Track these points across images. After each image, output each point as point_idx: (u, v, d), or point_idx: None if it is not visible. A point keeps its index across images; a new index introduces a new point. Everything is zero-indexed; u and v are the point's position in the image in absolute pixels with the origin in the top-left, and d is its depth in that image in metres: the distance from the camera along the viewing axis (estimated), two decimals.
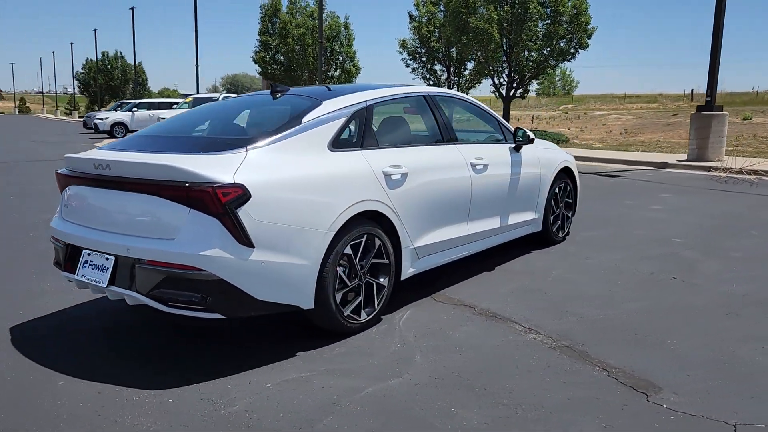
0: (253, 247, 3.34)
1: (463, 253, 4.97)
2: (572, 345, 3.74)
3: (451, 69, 28.65)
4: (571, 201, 6.49)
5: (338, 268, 3.76)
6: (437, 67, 29.11)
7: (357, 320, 3.93)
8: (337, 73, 33.75)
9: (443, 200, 4.60)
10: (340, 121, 4.03)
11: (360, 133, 4.17)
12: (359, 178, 3.91)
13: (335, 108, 4.09)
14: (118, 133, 25.78)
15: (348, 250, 3.82)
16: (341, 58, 33.16)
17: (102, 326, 4.15)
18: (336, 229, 3.68)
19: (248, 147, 3.56)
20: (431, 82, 29.20)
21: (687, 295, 4.67)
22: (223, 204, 3.25)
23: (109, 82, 68.86)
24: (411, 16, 28.39)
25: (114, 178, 3.53)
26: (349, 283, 3.87)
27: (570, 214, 6.50)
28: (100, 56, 69.07)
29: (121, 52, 70.95)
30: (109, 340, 3.92)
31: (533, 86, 31.84)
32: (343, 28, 32.95)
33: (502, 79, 22.93)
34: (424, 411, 2.96)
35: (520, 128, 5.59)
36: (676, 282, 4.98)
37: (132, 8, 50.41)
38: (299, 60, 31.98)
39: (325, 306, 3.71)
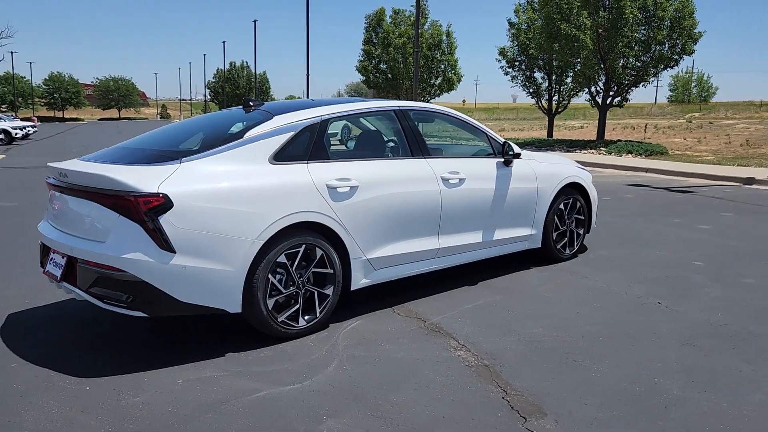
0: (174, 252, 3.60)
1: (434, 266, 4.98)
2: (492, 365, 3.69)
3: (552, 77, 27.92)
4: (583, 218, 6.26)
5: (270, 276, 3.94)
6: (538, 75, 28.49)
7: (294, 327, 4.10)
8: (437, 82, 33.91)
9: (404, 213, 4.65)
10: (287, 135, 4.23)
11: (309, 146, 4.33)
12: (297, 190, 4.08)
13: (284, 123, 4.29)
14: None
15: (282, 259, 3.99)
16: (442, 66, 33.25)
17: (71, 319, 4.59)
18: (265, 239, 3.87)
19: (183, 160, 3.84)
20: (531, 91, 28.64)
21: (658, 321, 4.42)
22: (144, 212, 3.54)
23: (235, 90, 73.20)
24: (510, 23, 28.01)
25: (70, 185, 3.94)
26: (284, 291, 4.04)
27: (581, 231, 6.27)
28: (227, 66, 73.68)
29: (246, 62, 75.27)
30: (73, 331, 4.34)
31: (644, 92, 30.22)
32: (444, 36, 33.06)
33: (598, 87, 22.06)
34: (297, 417, 3.08)
35: (508, 142, 5.50)
36: (658, 307, 4.71)
37: (255, 21, 53.43)
38: (400, 69, 32.44)
39: (256, 311, 3.91)
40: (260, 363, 3.76)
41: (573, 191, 6.10)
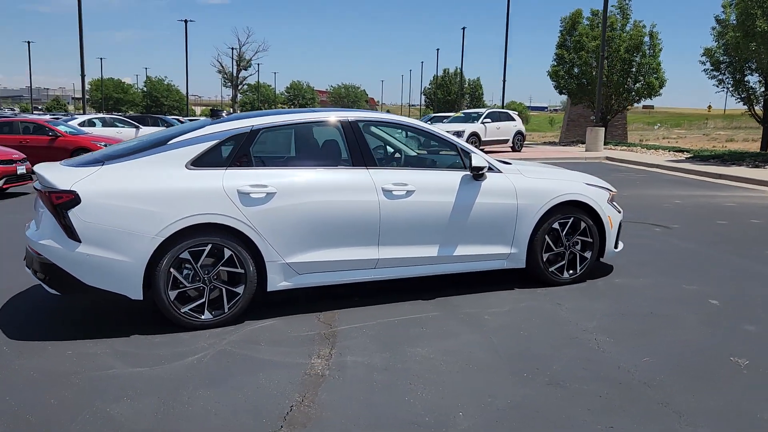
0: (80, 241, 4.20)
1: (374, 276, 5.01)
2: (321, 379, 3.72)
3: None
4: (590, 240, 5.70)
5: (173, 270, 4.37)
6: (752, 78, 25.12)
7: (198, 318, 4.48)
8: (637, 86, 31.53)
9: (333, 222, 4.76)
10: (209, 144, 4.62)
11: (233, 154, 4.66)
12: (204, 194, 4.44)
13: (211, 132, 4.69)
14: None
15: (186, 256, 4.40)
16: (643, 70, 30.83)
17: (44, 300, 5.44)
18: (165, 236, 4.31)
19: (107, 162, 4.44)
20: (741, 96, 25.39)
21: (571, 362, 3.99)
22: (55, 206, 4.19)
23: (447, 96, 74.99)
24: (718, 20, 25.08)
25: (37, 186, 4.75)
26: (188, 284, 4.44)
27: (588, 255, 5.72)
28: (441, 73, 75.71)
29: (459, 69, 76.56)
30: (37, 306, 5.15)
31: None
32: (647, 38, 30.61)
33: None
34: (107, 393, 3.46)
35: (472, 154, 5.25)
36: (596, 349, 4.22)
37: (463, 28, 54.35)
38: (593, 74, 30.75)
39: (159, 300, 4.38)
40: (146, 346, 4.20)
41: (575, 210, 5.60)
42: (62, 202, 4.19)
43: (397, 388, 3.55)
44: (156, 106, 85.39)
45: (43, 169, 4.55)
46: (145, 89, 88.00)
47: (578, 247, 5.71)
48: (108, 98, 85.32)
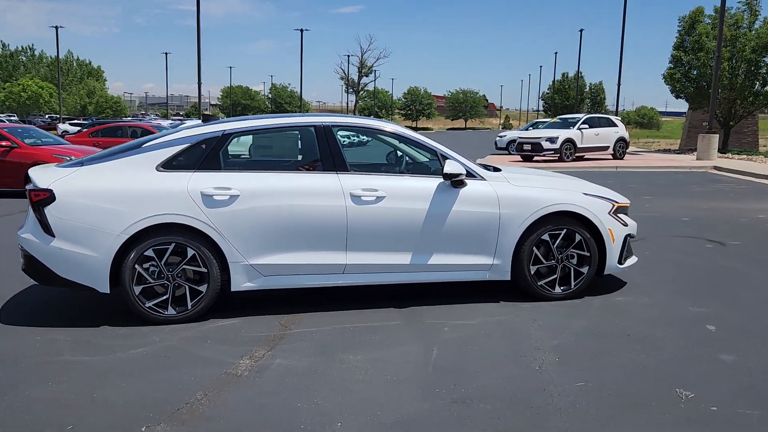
0: (54, 236, 4.56)
1: (343, 282, 5.00)
2: (239, 378, 3.78)
3: None
4: (587, 254, 5.35)
5: (137, 266, 4.62)
6: None
7: (162, 313, 4.71)
8: (766, 89, 28.87)
9: (298, 225, 4.82)
10: (179, 147, 4.83)
11: (202, 157, 4.85)
12: (169, 195, 4.65)
13: (183, 136, 4.91)
14: (511, 150, 27.24)
15: (150, 253, 4.64)
16: None
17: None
18: (130, 234, 4.57)
19: (85, 164, 4.79)
20: None
21: (496, 381, 3.80)
22: (34, 202, 4.58)
23: (565, 101, 72.59)
24: None
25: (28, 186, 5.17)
26: (152, 281, 4.68)
27: (584, 269, 5.36)
28: (559, 77, 73.40)
29: (581, 73, 73.84)
30: (39, 296, 5.58)
31: None
32: None
33: None
34: (40, 374, 3.74)
35: (449, 160, 5.09)
36: (534, 369, 3.98)
37: (580, 30, 52.43)
38: (711, 76, 28.51)
39: (124, 294, 4.65)
40: (106, 337, 4.47)
41: (570, 221, 5.28)
42: (39, 200, 4.56)
43: (300, 393, 3.55)
44: (280, 111, 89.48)
45: (35, 170, 4.96)
46: (269, 96, 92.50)
47: (574, 261, 5.38)
48: (236, 104, 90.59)
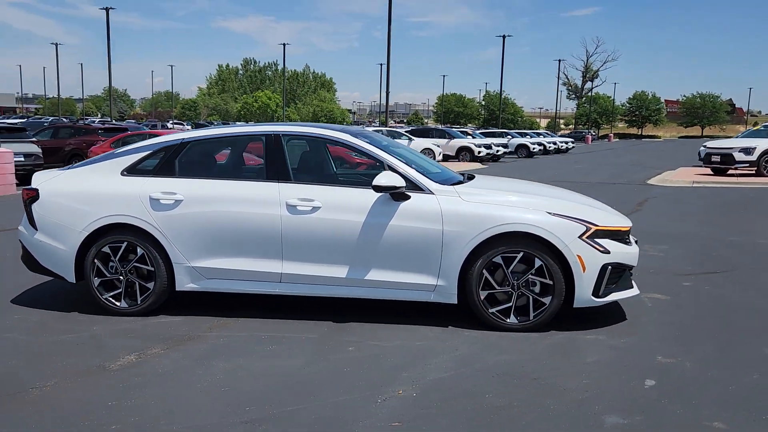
0: (37, 230, 5.28)
1: (280, 291, 5.03)
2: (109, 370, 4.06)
3: None
4: (550, 282, 4.72)
5: (96, 261, 5.15)
6: None
7: (116, 306, 5.18)
8: None
9: (235, 232, 4.97)
10: (141, 154, 5.27)
11: (160, 164, 5.22)
12: (123, 198, 5.09)
13: (148, 143, 5.34)
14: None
15: (106, 250, 5.14)
16: None
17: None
18: (89, 231, 5.10)
19: (70, 168, 5.46)
20: None
21: (313, 408, 3.59)
22: (24, 200, 5.34)
23: None
24: None
25: None
26: (109, 275, 5.17)
27: (547, 300, 4.73)
28: None
29: None
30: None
31: None
32: None
33: None
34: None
35: (390, 173, 4.81)
36: (374, 402, 3.69)
37: None
38: None
39: (88, 286, 5.21)
40: (61, 321, 5.03)
41: (531, 244, 4.71)
42: (28, 197, 5.30)
43: (137, 391, 3.69)
44: (493, 119, 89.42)
45: (36, 174, 5.69)
46: (482, 103, 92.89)
47: (536, 289, 4.78)
48: (449, 112, 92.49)
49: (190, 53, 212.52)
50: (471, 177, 5.78)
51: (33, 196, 5.27)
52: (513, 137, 38.20)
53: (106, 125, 22.01)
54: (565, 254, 4.68)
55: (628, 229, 5.01)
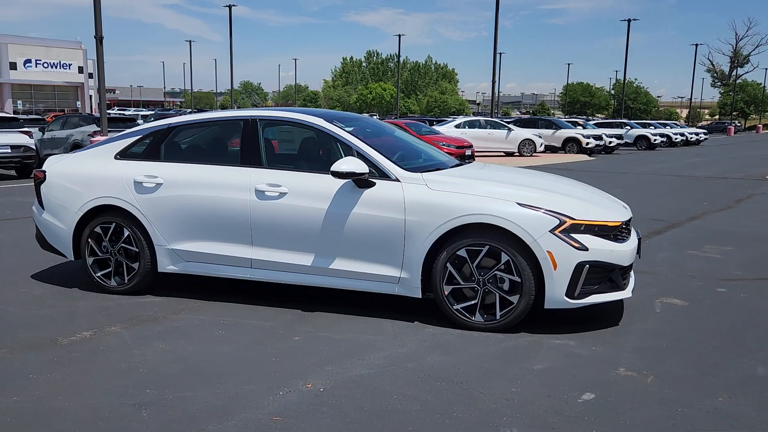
0: (44, 209, 5.64)
1: (251, 276, 5.01)
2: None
3: None
4: (518, 280, 4.33)
5: (90, 240, 5.41)
6: None
7: (108, 284, 5.41)
8: None
9: (209, 216, 5.01)
10: (133, 139, 5.44)
11: (148, 148, 5.37)
12: (111, 180, 5.29)
13: (140, 128, 5.51)
14: None
15: (98, 230, 5.38)
16: None
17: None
18: (83, 211, 5.36)
19: (75, 152, 5.76)
20: None
21: (201, 396, 3.53)
22: (35, 181, 5.72)
23: None
24: None
25: None
26: (100, 254, 5.42)
27: (514, 298, 4.35)
28: None
29: None
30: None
31: None
32: None
33: None
34: None
35: (352, 159, 4.61)
36: (220, 397, 3.57)
37: None
38: None
39: (85, 264, 5.50)
40: (60, 296, 5.32)
41: (496, 237, 4.35)
42: (38, 179, 5.66)
43: (55, 366, 3.82)
44: (623, 109, 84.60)
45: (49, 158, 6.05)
46: (612, 92, 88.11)
47: (504, 286, 4.41)
48: (575, 102, 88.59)
49: (322, 47, 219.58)
50: (460, 164, 5.46)
51: (41, 177, 5.61)
52: (632, 128, 35.87)
53: None
54: (534, 249, 4.27)
55: (616, 224, 4.48)
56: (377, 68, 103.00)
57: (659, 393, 3.46)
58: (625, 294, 4.52)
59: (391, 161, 4.74)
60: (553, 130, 28.05)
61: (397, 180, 4.64)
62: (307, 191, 4.78)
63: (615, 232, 4.49)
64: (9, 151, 14.55)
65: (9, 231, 8.20)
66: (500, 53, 69.18)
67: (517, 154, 24.61)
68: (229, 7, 43.17)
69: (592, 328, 4.51)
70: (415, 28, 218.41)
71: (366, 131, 5.37)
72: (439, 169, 4.96)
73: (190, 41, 65.29)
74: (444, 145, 18.48)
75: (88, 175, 5.41)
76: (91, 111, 53.29)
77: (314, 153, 5.27)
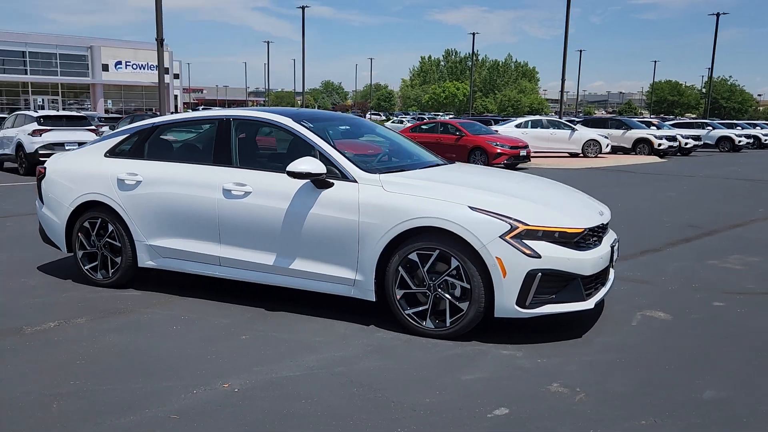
0: (43, 204, 5.94)
1: (220, 274, 5.07)
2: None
3: None
4: (468, 286, 4.18)
5: (80, 234, 5.64)
6: None
7: (94, 277, 5.62)
8: None
9: (182, 214, 5.12)
10: (121, 137, 5.63)
11: (134, 146, 5.53)
12: (97, 177, 5.49)
13: (127, 127, 5.69)
14: None
15: (86, 224, 5.61)
16: None
17: None
18: (74, 206, 5.59)
19: (76, 149, 6.03)
20: None
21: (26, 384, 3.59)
22: (37, 177, 6.03)
23: None
24: None
25: None
26: (88, 248, 5.64)
27: (464, 305, 4.20)
28: None
29: None
30: None
31: None
32: None
33: None
34: None
35: (309, 158, 4.57)
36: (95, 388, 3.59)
37: None
38: None
39: (75, 258, 5.75)
40: (50, 287, 5.59)
41: (447, 241, 4.21)
42: (40, 175, 5.96)
43: (3, 355, 4.01)
44: (715, 108, 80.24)
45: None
46: (702, 90, 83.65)
47: (456, 292, 4.27)
48: (662, 101, 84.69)
49: (403, 46, 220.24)
50: (439, 165, 5.34)
51: (42, 173, 5.90)
52: (714, 128, 33.89)
53: None
54: (483, 255, 4.10)
55: (578, 230, 4.24)
56: (455, 67, 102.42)
57: (580, 412, 3.24)
58: (586, 305, 4.26)
59: (351, 162, 4.68)
60: (623, 131, 26.91)
61: (355, 181, 4.57)
62: (269, 191, 4.79)
63: (577, 239, 4.24)
64: (77, 147, 15.40)
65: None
66: (580, 50, 67.30)
67: (581, 155, 23.77)
68: (302, 8, 44.11)
69: (552, 339, 4.29)
70: (498, 26, 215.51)
71: (343, 131, 5.32)
72: (404, 170, 4.85)
73: (267, 42, 66.88)
74: (497, 145, 18.14)
75: (80, 171, 5.64)
76: (176, 110, 55.80)
77: (282, 153, 5.27)
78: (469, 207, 4.21)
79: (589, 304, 4.28)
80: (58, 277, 5.86)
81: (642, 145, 26.20)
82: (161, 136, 5.57)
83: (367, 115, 67.04)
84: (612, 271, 5.06)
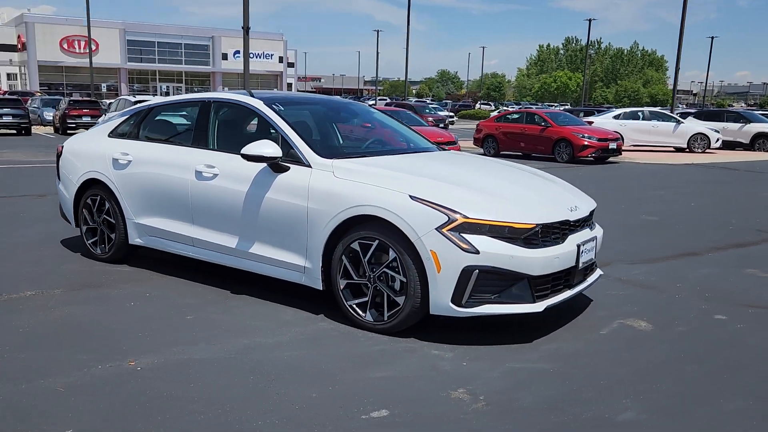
0: (60, 181, 6.31)
1: (194, 255, 5.13)
2: None
3: None
4: (405, 279, 3.95)
5: (84, 210, 5.94)
6: None
7: (95, 252, 5.91)
8: None
9: (161, 194, 5.23)
10: (121, 119, 5.84)
11: (132, 127, 5.72)
12: (96, 156, 5.74)
13: (131, 109, 5.89)
14: None
15: (89, 201, 5.89)
16: None
17: None
18: (79, 183, 5.89)
19: (90, 130, 6.34)
20: None
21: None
22: (57, 156, 6.40)
23: None
24: None
25: None
26: (90, 224, 5.93)
27: (401, 299, 3.98)
28: None
29: None
30: None
31: None
32: None
33: None
34: None
35: (266, 141, 4.48)
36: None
37: None
38: None
39: (81, 232, 6.06)
40: (48, 261, 5.93)
41: (386, 231, 4.01)
42: (58, 153, 6.33)
43: None
44: None
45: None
46: None
47: (395, 285, 4.06)
48: None
49: (524, 34, 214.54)
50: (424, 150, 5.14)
51: (60, 152, 6.26)
52: None
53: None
54: (418, 248, 3.86)
55: (529, 226, 3.87)
56: (574, 56, 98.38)
57: (464, 421, 2.95)
58: (533, 308, 3.89)
59: (308, 146, 4.55)
60: (740, 124, 24.61)
61: (309, 166, 4.44)
62: (233, 173, 4.77)
63: (527, 236, 3.88)
64: None
65: None
66: (712, 37, 62.30)
67: (687, 150, 22.02)
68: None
69: (500, 342, 3.96)
70: (629, 13, 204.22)
71: (324, 113, 5.19)
72: (368, 156, 4.65)
73: (377, 31, 67.02)
74: (583, 137, 17.24)
75: (86, 150, 5.92)
76: None
77: (251, 135, 5.22)
78: (410, 196, 3.96)
79: (537, 307, 3.91)
80: (70, 251, 6.19)
81: (762, 141, 23.88)
82: (156, 118, 5.71)
83: (477, 105, 66.02)
84: (596, 273, 4.63)
